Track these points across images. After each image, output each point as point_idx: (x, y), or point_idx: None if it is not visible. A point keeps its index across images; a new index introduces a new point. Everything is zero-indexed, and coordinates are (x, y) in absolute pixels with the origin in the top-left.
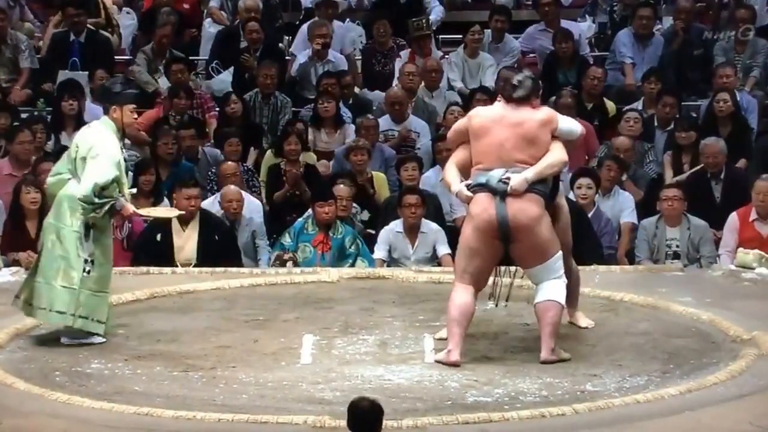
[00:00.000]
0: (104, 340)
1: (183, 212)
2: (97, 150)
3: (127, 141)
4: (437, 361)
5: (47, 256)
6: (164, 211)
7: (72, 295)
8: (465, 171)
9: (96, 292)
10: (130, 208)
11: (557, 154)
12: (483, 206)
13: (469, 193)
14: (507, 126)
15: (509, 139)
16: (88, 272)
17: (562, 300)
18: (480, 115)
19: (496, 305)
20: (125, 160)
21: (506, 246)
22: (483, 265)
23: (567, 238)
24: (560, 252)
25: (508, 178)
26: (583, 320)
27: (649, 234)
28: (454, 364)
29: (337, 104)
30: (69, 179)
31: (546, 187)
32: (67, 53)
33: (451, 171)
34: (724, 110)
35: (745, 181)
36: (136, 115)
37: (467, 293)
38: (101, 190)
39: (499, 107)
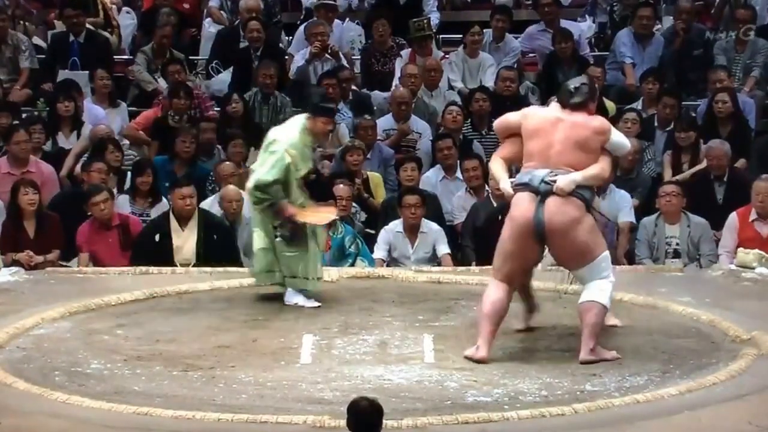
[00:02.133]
0: (316, 304)
1: (336, 217)
2: (276, 147)
3: (125, 142)
4: (466, 357)
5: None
6: (320, 216)
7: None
8: (511, 165)
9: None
10: (289, 210)
11: (604, 166)
12: (522, 208)
13: (511, 192)
14: (560, 129)
15: (560, 142)
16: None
17: (604, 300)
18: (535, 115)
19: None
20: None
21: (545, 246)
22: (518, 266)
23: None
24: (606, 253)
25: (554, 180)
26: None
27: (649, 232)
28: (481, 361)
29: None
30: None
31: (589, 193)
32: (67, 53)
33: (497, 164)
34: (723, 111)
35: (748, 182)
36: (330, 127)
37: (502, 290)
38: (264, 187)
39: (554, 110)
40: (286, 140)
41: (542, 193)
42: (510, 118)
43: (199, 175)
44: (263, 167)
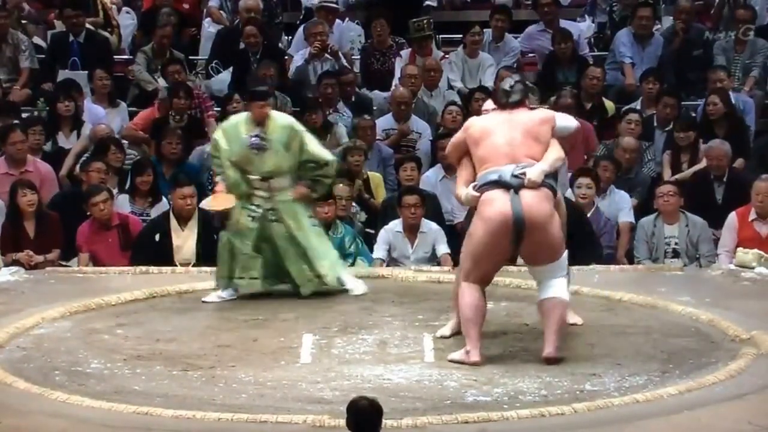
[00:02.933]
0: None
1: (232, 206)
2: None
3: (125, 141)
4: (451, 361)
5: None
6: (215, 202)
7: None
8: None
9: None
10: (217, 190)
11: (558, 150)
12: (496, 206)
13: (476, 194)
14: (511, 126)
15: (516, 137)
16: None
17: (567, 297)
18: (478, 122)
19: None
20: (250, 145)
21: (517, 244)
22: (491, 267)
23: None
24: (566, 250)
25: (523, 173)
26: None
27: (648, 233)
28: (475, 364)
29: (324, 111)
30: None
31: (554, 182)
32: (67, 53)
33: (460, 186)
34: (714, 112)
35: (747, 183)
36: (266, 111)
37: (477, 291)
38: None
39: (495, 114)
40: (222, 125)
41: (515, 187)
42: (455, 138)
43: (188, 175)
44: None
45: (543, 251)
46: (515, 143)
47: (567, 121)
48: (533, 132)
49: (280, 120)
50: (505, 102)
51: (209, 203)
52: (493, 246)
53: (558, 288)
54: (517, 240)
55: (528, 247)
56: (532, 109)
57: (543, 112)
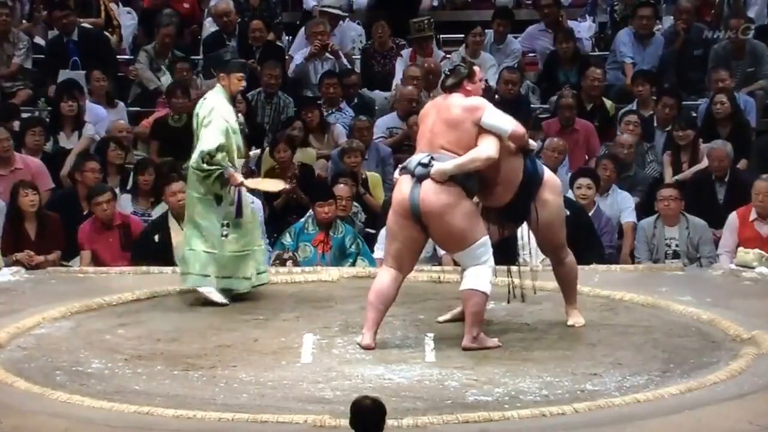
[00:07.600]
0: (226, 302)
1: (287, 186)
2: (210, 117)
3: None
4: (357, 343)
5: (188, 224)
6: (271, 183)
7: (212, 258)
8: None
9: (237, 253)
10: (238, 177)
11: (483, 149)
12: (399, 189)
13: (396, 175)
14: (438, 112)
15: (437, 125)
16: (226, 235)
17: (483, 287)
18: (425, 106)
19: (512, 300)
20: (240, 126)
21: (425, 229)
22: (402, 248)
23: (556, 234)
24: (483, 239)
25: (430, 164)
26: (573, 318)
27: (648, 234)
28: (367, 348)
29: (321, 111)
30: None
31: (471, 180)
32: (64, 54)
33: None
34: (721, 112)
35: (749, 183)
36: (244, 83)
37: (387, 276)
38: (210, 158)
39: (438, 98)
40: (216, 107)
41: (417, 176)
42: None
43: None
44: (201, 141)
45: (447, 240)
46: (435, 131)
47: (498, 121)
48: (453, 120)
49: None
50: (443, 87)
51: (264, 185)
52: (395, 224)
53: (472, 278)
54: (421, 224)
55: (433, 234)
56: (468, 94)
57: (471, 101)
